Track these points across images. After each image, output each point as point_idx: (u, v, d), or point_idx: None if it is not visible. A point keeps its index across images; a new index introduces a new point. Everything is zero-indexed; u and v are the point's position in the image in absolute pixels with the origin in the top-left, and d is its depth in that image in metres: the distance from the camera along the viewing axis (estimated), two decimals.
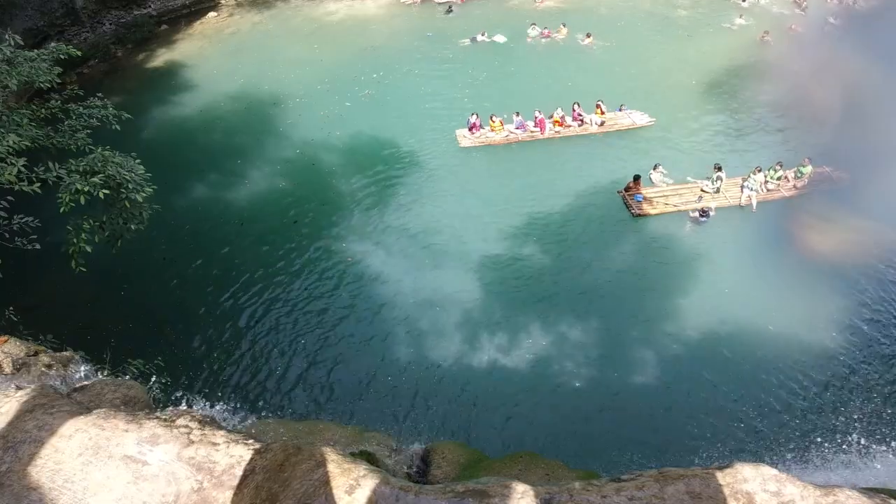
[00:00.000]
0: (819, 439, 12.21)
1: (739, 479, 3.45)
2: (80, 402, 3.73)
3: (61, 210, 10.50)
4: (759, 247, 17.36)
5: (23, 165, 10.13)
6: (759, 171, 19.08)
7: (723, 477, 3.49)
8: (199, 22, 33.56)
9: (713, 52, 27.53)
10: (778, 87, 23.65)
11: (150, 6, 32.64)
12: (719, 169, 19.10)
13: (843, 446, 11.91)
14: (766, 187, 19.10)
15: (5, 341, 4.73)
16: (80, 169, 11.00)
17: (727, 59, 26.79)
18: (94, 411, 3.52)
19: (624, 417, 12.91)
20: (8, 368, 4.35)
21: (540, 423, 12.82)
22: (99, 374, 4.61)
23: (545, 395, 13.41)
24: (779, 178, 19.29)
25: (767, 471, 3.52)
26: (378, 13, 33.81)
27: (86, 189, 10.40)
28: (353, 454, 3.67)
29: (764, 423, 12.71)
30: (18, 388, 3.84)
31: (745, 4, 32.69)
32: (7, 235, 10.55)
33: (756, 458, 11.61)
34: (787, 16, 31.49)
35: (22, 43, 12.13)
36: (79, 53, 13.39)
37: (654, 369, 13.93)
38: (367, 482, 3.18)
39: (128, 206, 11.48)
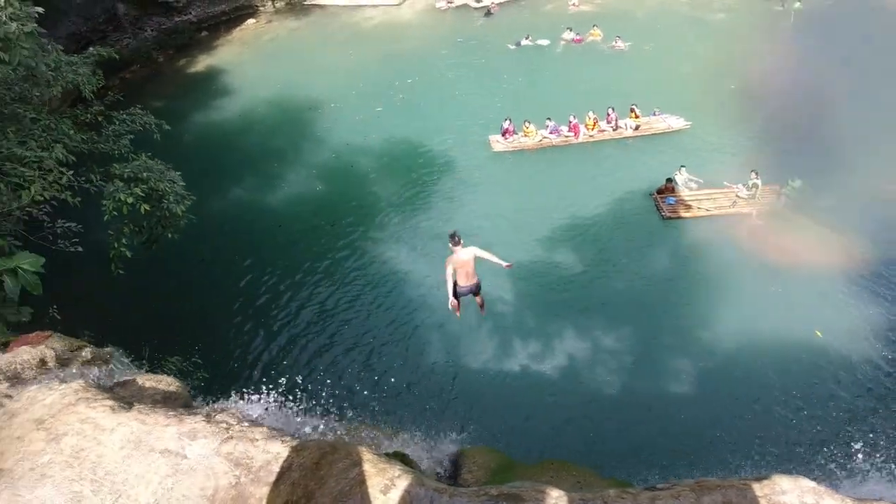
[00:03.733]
0: (861, 453, 11.82)
1: (777, 490, 3.37)
2: (122, 397, 3.81)
3: (105, 218, 11.12)
4: (799, 254, 16.92)
5: (70, 174, 10.62)
6: (798, 179, 18.62)
7: (760, 488, 3.41)
8: (238, 28, 34.21)
9: (752, 56, 26.97)
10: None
11: (190, 13, 33.37)
12: (756, 175, 18.73)
13: (887, 461, 11.52)
14: (804, 195, 18.62)
15: (48, 337, 4.86)
16: (125, 175, 11.42)
17: (767, 62, 26.23)
18: (136, 406, 3.59)
19: (657, 427, 12.69)
20: (51, 363, 4.46)
21: (571, 431, 12.68)
22: (139, 370, 4.72)
23: (577, 403, 13.27)
24: None
25: (805, 483, 3.43)
26: (413, 19, 34.03)
27: (129, 200, 10.86)
28: (387, 454, 3.68)
29: (804, 434, 12.36)
30: (62, 382, 3.94)
31: (782, 9, 31.98)
32: (51, 238, 10.92)
33: (794, 470, 11.32)
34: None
35: (62, 48, 12.57)
36: (116, 56, 13.93)
37: (688, 377, 13.67)
38: (402, 483, 3.18)
39: (167, 215, 11.89)
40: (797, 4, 31.84)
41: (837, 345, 14.09)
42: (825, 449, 12.04)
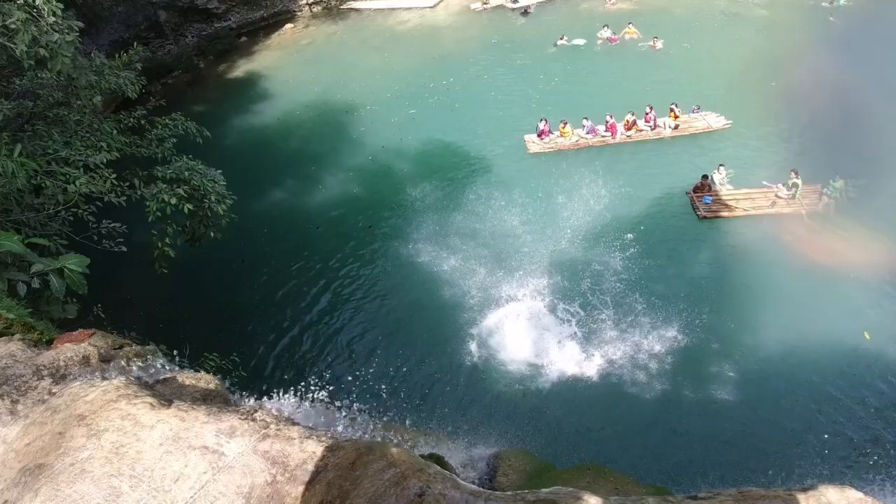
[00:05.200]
0: None
1: (823, 501, 3.21)
2: (163, 394, 3.85)
3: (150, 219, 11.37)
4: (842, 255, 16.39)
5: (113, 177, 10.91)
6: (839, 179, 18.06)
7: (806, 499, 3.26)
8: (276, 33, 34.74)
9: (794, 53, 26.25)
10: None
11: (230, 19, 34.01)
12: (796, 174, 18.23)
13: None
14: (847, 195, 18.05)
15: (92, 334, 4.93)
16: (167, 177, 11.68)
17: (809, 60, 25.49)
18: (175, 403, 3.62)
19: (698, 433, 12.42)
20: (95, 360, 4.53)
21: (609, 436, 12.50)
22: (179, 367, 4.78)
23: (615, 407, 13.07)
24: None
25: (853, 494, 3.26)
26: (448, 21, 34.10)
27: (173, 201, 11.11)
28: (423, 456, 3.64)
29: (852, 442, 11.96)
30: (104, 378, 4.00)
31: (827, 5, 31.07)
32: (96, 238, 11.21)
33: (842, 479, 10.95)
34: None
35: (104, 55, 12.98)
36: (148, 53, 14.32)
37: (728, 382, 13.35)
38: (437, 485, 3.13)
39: (210, 215, 12.14)
40: (843, 0, 30.93)
41: (888, 347, 13.61)
42: (874, 457, 11.64)
